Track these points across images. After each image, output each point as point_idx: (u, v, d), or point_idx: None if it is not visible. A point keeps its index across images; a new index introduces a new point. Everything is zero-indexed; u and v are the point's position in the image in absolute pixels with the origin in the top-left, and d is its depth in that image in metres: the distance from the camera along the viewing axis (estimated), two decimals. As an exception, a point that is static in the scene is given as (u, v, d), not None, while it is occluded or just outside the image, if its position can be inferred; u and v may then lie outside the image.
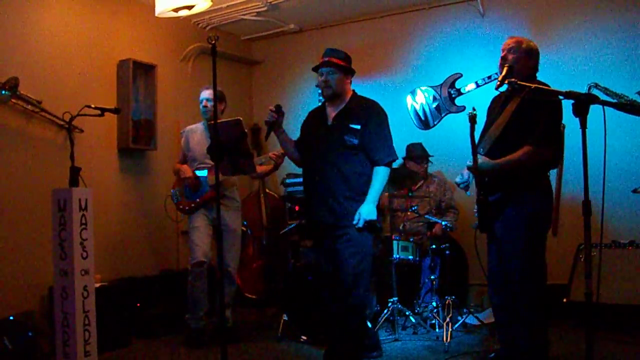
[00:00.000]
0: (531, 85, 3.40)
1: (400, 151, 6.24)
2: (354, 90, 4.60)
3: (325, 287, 4.54)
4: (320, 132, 4.49)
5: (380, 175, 4.38)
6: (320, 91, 4.59)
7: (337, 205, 4.32)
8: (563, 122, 4.56)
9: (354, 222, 4.25)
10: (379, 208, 4.43)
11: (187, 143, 5.61)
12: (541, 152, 3.78)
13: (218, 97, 5.40)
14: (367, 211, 4.26)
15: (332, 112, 4.51)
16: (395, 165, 6.16)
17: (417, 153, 6.25)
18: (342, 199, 4.32)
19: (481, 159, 3.92)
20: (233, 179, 5.42)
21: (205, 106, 5.44)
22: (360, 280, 4.32)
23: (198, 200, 5.41)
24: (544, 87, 3.53)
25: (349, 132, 4.36)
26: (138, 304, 5.57)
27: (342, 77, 4.46)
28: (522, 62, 3.97)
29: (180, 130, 5.82)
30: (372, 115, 4.45)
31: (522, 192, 3.85)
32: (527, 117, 3.84)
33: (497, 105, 4.17)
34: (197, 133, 5.58)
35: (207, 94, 5.46)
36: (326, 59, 4.47)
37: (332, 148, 4.39)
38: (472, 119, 3.86)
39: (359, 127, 4.36)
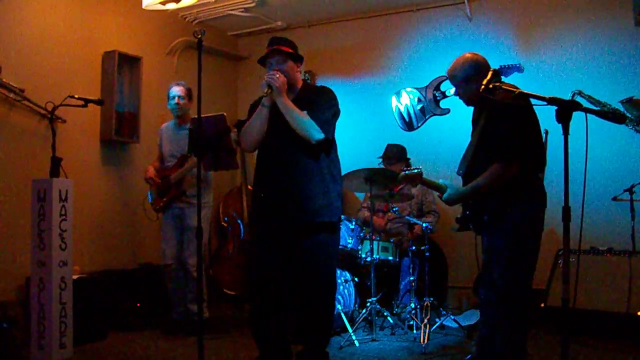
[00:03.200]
0: (515, 90, 3.39)
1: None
2: (304, 80, 4.34)
3: (278, 289, 4.16)
4: (276, 126, 4.06)
5: (306, 116, 3.99)
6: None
7: (307, 202, 4.01)
8: (547, 127, 4.59)
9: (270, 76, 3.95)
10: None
11: (160, 141, 5.73)
12: (508, 167, 3.65)
13: (188, 95, 5.46)
14: (282, 82, 3.96)
15: None
16: (377, 165, 6.23)
17: (387, 153, 6.24)
18: (310, 195, 4.02)
19: (449, 190, 3.89)
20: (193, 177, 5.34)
21: (177, 103, 5.47)
22: (332, 279, 4.24)
23: (165, 199, 5.48)
24: (523, 92, 3.48)
25: None
26: (116, 297, 5.54)
27: (293, 65, 4.15)
28: (478, 81, 3.70)
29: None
30: (318, 95, 4.16)
31: (508, 199, 3.79)
32: (492, 131, 3.74)
33: (475, 119, 4.11)
34: (168, 131, 5.67)
35: (178, 90, 5.48)
36: (274, 47, 4.13)
37: (290, 142, 4.03)
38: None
39: (306, 112, 4.03)
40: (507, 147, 3.64)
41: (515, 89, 3.41)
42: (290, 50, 4.14)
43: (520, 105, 3.60)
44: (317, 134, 3.98)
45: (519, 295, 3.76)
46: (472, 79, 3.85)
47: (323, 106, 4.08)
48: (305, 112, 3.99)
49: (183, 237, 5.48)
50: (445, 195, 3.92)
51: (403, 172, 4.11)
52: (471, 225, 3.99)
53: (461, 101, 4.05)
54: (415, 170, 4.05)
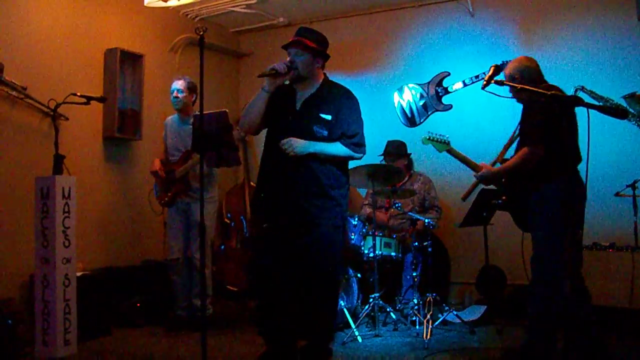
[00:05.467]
0: (517, 85, 3.41)
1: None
2: (325, 75, 4.27)
3: (282, 288, 4.16)
4: (287, 118, 4.12)
5: (338, 145, 4.08)
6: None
7: (307, 204, 4.03)
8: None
9: (285, 145, 3.97)
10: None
11: (165, 134, 5.73)
12: (533, 151, 3.83)
13: (189, 88, 5.46)
14: (300, 144, 3.97)
15: (301, 96, 4.19)
16: (379, 161, 6.23)
17: (388, 150, 6.23)
18: (311, 197, 4.03)
19: (483, 169, 4.26)
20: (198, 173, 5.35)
21: (176, 97, 5.48)
22: (335, 275, 4.24)
23: (170, 193, 5.49)
24: (528, 87, 3.51)
25: (319, 123, 4.06)
26: (120, 294, 5.56)
27: (310, 59, 4.10)
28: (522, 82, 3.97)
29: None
30: (344, 103, 4.16)
31: (540, 187, 3.90)
32: (522, 120, 3.99)
33: None
34: (172, 125, 5.68)
35: (178, 84, 5.50)
36: (296, 38, 4.12)
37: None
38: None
39: (330, 117, 4.06)
40: (531, 132, 3.86)
41: (515, 85, 3.45)
42: (312, 45, 4.11)
43: (545, 102, 3.69)
44: (357, 155, 4.22)
45: (547, 287, 3.79)
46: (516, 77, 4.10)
47: (355, 123, 4.19)
48: (329, 116, 4.06)
49: (190, 233, 5.49)
50: (480, 174, 4.28)
51: (427, 136, 4.58)
52: (517, 223, 4.21)
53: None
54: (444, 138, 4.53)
